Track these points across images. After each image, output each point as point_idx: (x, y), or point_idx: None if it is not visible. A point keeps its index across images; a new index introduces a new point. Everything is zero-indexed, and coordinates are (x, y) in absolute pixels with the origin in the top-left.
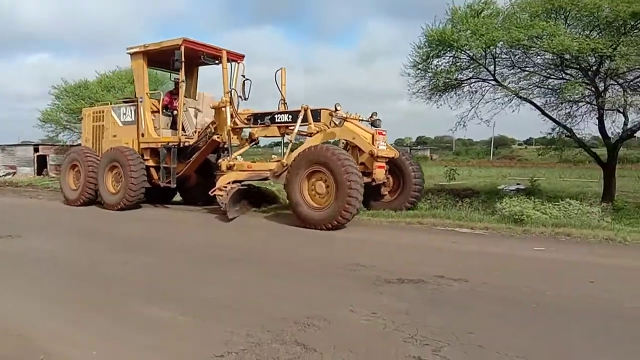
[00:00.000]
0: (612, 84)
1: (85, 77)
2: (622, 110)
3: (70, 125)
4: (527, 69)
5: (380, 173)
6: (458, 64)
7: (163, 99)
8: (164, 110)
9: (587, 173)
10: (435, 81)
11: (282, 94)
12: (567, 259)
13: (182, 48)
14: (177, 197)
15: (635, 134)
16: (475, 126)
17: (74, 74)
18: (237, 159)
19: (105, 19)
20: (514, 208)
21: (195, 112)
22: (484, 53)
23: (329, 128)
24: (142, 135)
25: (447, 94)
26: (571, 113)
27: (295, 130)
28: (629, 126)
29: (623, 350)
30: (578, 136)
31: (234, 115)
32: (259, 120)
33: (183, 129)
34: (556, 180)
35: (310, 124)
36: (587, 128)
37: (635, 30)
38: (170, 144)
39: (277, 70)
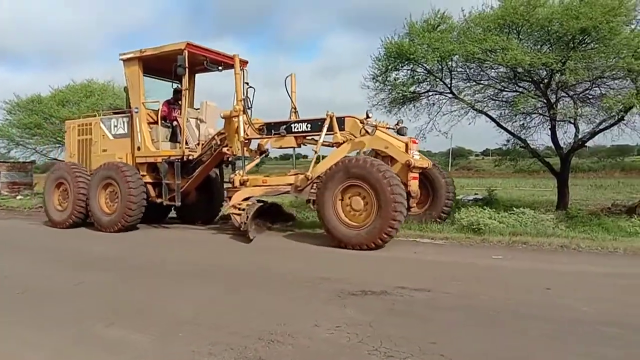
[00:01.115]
0: (563, 96)
1: (39, 91)
2: (573, 121)
3: (24, 141)
4: (482, 82)
5: (415, 185)
6: (416, 77)
7: (161, 110)
8: (163, 122)
9: (542, 182)
10: (394, 94)
11: (292, 102)
12: (524, 266)
13: (186, 53)
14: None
15: (585, 144)
16: (434, 138)
17: (33, 88)
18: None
19: (65, 31)
20: (472, 218)
21: (196, 123)
22: (440, 66)
23: (354, 137)
24: (138, 149)
25: (405, 106)
26: (525, 124)
27: (321, 141)
28: (579, 136)
29: (581, 354)
30: (532, 147)
31: (248, 125)
32: (272, 130)
33: (178, 142)
34: (512, 189)
35: (336, 132)
36: (540, 139)
37: (583, 45)
38: (172, 157)
39: (287, 77)
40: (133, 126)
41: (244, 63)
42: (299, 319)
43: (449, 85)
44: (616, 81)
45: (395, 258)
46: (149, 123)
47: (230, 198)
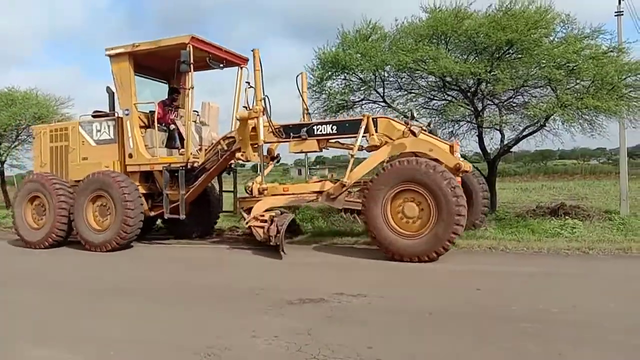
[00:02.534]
0: (489, 104)
1: None
2: (498, 128)
3: None
4: (413, 91)
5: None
6: (350, 85)
7: (157, 112)
8: (159, 125)
9: None
10: (329, 102)
11: (304, 102)
12: (455, 268)
13: (190, 47)
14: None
15: (511, 150)
16: None
17: None
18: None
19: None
20: None
21: (196, 126)
22: (373, 76)
23: (390, 139)
24: (130, 156)
25: (340, 114)
26: (454, 132)
27: (358, 144)
28: (505, 142)
29: (511, 349)
30: (461, 153)
31: (270, 128)
32: (291, 133)
33: (176, 147)
34: None
35: (372, 134)
36: (469, 145)
37: (507, 55)
38: (173, 165)
39: (297, 75)
40: (122, 130)
41: (245, 60)
42: (236, 331)
43: (382, 95)
44: (538, 89)
45: (331, 265)
46: (141, 127)
47: (245, 210)
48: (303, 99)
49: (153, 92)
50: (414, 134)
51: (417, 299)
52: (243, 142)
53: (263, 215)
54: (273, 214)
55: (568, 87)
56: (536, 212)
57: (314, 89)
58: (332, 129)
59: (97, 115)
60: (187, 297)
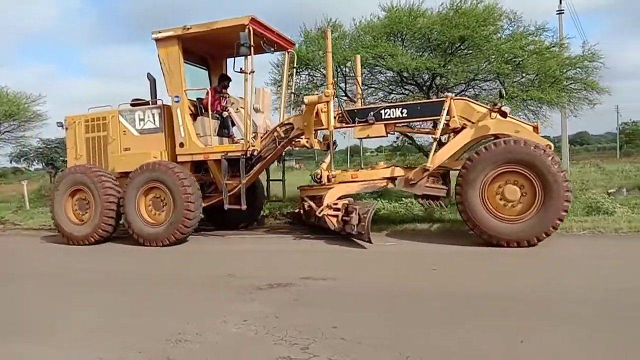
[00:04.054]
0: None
1: None
2: None
3: None
4: (372, 85)
5: None
6: (314, 81)
7: (210, 99)
8: (213, 113)
9: None
10: (294, 97)
11: (359, 86)
12: (413, 249)
13: (250, 29)
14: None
15: None
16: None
17: None
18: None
19: None
20: None
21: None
22: (336, 72)
23: (469, 121)
24: (181, 145)
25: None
26: (410, 124)
27: (440, 127)
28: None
29: (471, 325)
30: (418, 143)
31: (343, 113)
32: (357, 118)
33: (229, 135)
34: None
35: (453, 116)
36: (425, 135)
37: (459, 51)
38: (231, 154)
39: (350, 61)
40: (170, 119)
41: (292, 44)
42: (207, 317)
43: (344, 90)
44: (487, 83)
45: (301, 251)
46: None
47: (309, 197)
48: (358, 84)
49: (192, 78)
50: (504, 114)
51: (380, 281)
52: (308, 128)
53: (337, 204)
54: (346, 202)
55: (515, 80)
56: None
57: (279, 84)
58: (402, 113)
59: (136, 103)
60: (161, 287)
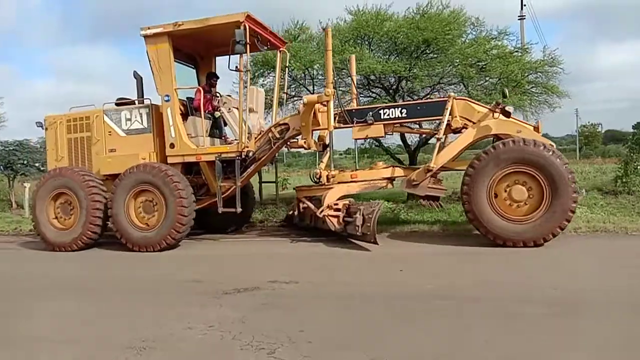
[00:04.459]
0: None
1: None
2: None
3: None
4: (340, 88)
5: None
6: (281, 83)
7: (201, 98)
8: (205, 113)
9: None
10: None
11: (354, 87)
12: (380, 252)
13: (247, 26)
14: None
15: (429, 141)
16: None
17: None
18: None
19: None
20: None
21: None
22: (303, 74)
23: (470, 121)
24: (172, 146)
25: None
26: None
27: (443, 127)
28: (424, 135)
29: (428, 325)
30: (385, 145)
31: (343, 113)
32: (355, 118)
33: (221, 136)
34: None
35: (455, 116)
36: (392, 138)
37: (425, 55)
38: (225, 155)
39: (346, 60)
40: (158, 119)
41: (284, 43)
42: (171, 323)
43: (312, 92)
44: (452, 86)
45: (267, 255)
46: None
47: (307, 198)
48: (353, 84)
49: (179, 77)
50: (507, 114)
51: (345, 282)
52: (305, 128)
53: (337, 204)
54: (347, 202)
55: (478, 83)
56: (452, 198)
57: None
58: (401, 113)
59: (122, 102)
60: (125, 292)
